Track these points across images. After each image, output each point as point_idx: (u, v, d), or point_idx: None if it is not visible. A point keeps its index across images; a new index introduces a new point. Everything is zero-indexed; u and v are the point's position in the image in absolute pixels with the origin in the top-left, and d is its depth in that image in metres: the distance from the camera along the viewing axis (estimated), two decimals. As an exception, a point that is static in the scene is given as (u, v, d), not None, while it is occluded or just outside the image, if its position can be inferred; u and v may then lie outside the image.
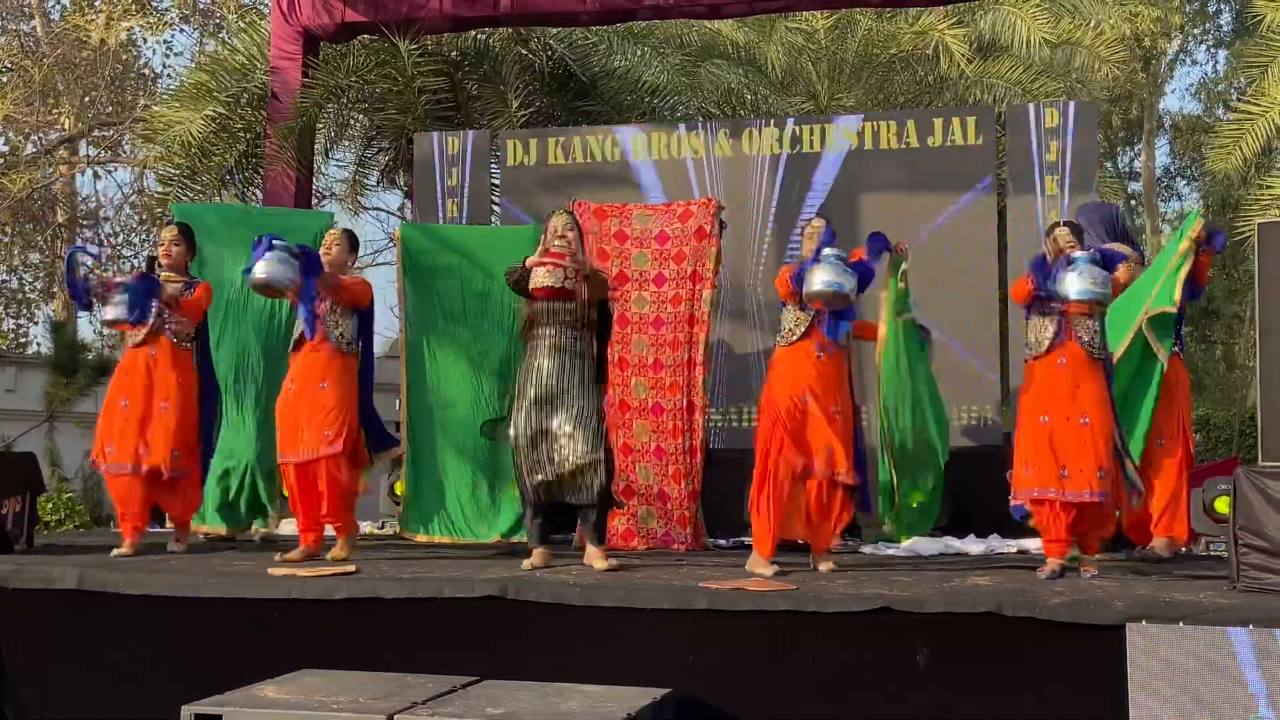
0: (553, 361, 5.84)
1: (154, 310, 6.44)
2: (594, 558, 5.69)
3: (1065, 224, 5.86)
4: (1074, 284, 5.38)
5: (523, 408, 5.84)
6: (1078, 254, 5.44)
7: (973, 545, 6.98)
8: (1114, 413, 5.58)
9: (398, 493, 7.78)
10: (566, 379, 5.82)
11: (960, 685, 4.36)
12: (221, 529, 7.28)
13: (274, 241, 6.00)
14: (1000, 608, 4.38)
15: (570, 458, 5.72)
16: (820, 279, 5.62)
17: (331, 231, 6.58)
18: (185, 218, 7.59)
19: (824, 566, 5.69)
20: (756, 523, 5.71)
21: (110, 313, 6.44)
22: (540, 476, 5.76)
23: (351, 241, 6.53)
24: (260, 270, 5.95)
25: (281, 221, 7.95)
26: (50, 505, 10.23)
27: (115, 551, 6.11)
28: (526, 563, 5.65)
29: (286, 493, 6.40)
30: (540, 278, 5.83)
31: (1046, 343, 5.55)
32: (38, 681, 5.10)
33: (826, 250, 5.71)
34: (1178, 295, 6.10)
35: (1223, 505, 5.85)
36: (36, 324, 19.41)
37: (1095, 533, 5.56)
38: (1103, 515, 5.53)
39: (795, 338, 5.82)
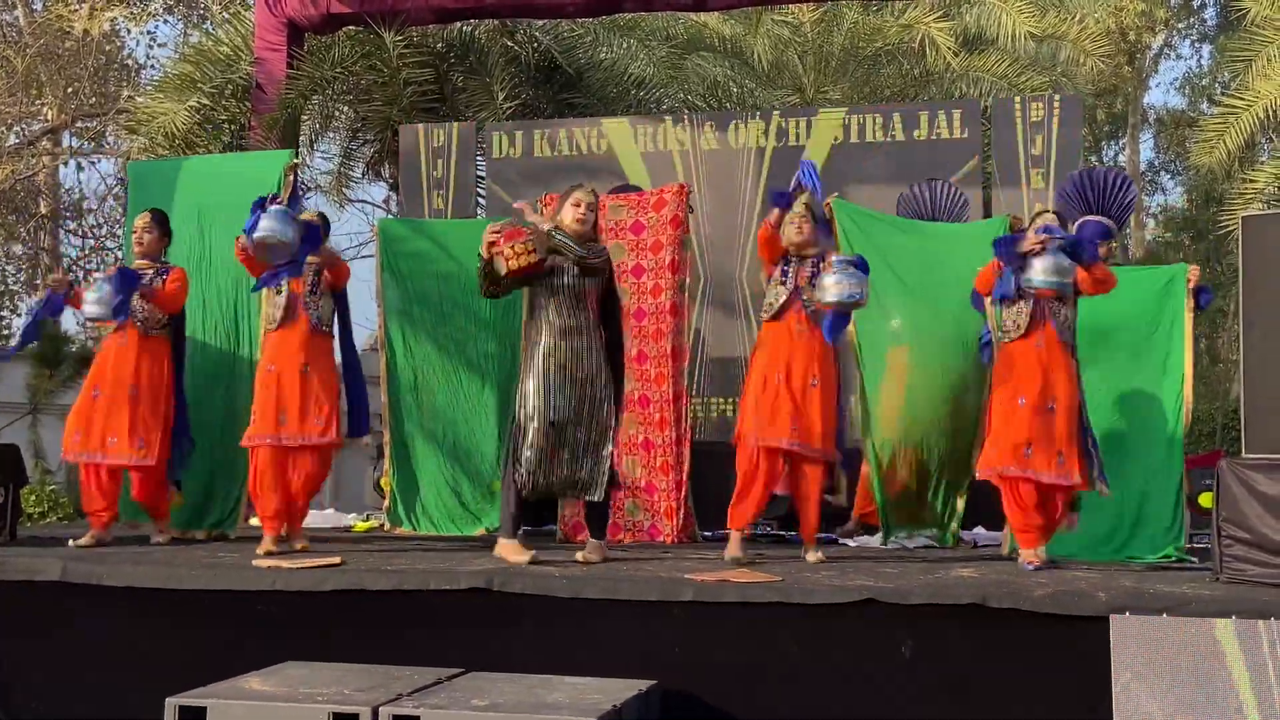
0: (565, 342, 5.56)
1: (132, 307, 6.30)
2: (594, 550, 5.57)
3: (1053, 212, 5.89)
4: (1036, 271, 5.52)
5: (532, 396, 5.49)
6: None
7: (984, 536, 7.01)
8: (1082, 400, 5.64)
9: (382, 486, 7.78)
10: (577, 364, 5.53)
11: (944, 676, 4.37)
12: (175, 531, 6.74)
13: (274, 204, 5.95)
14: (984, 599, 4.39)
15: (582, 462, 5.49)
16: (834, 293, 5.65)
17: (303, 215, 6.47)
18: (140, 175, 7.45)
19: (811, 557, 5.71)
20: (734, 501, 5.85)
21: (90, 309, 6.28)
22: (544, 477, 5.46)
23: (324, 224, 6.45)
24: (264, 227, 5.84)
25: (238, 166, 7.69)
26: (34, 497, 10.16)
27: (73, 542, 6.05)
28: (523, 556, 5.34)
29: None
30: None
31: (1025, 325, 5.61)
32: (20, 673, 5.08)
33: (834, 258, 5.77)
34: (1188, 374, 6.30)
35: (1206, 500, 5.90)
36: (19, 316, 19.30)
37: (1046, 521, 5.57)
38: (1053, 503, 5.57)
39: (774, 313, 5.91)
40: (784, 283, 5.91)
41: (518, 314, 6.87)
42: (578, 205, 5.64)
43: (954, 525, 6.72)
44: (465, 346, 7.28)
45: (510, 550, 5.41)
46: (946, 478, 6.68)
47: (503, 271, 5.50)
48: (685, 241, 7.13)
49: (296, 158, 7.23)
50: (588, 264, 5.55)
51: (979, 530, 7.13)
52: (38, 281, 18.72)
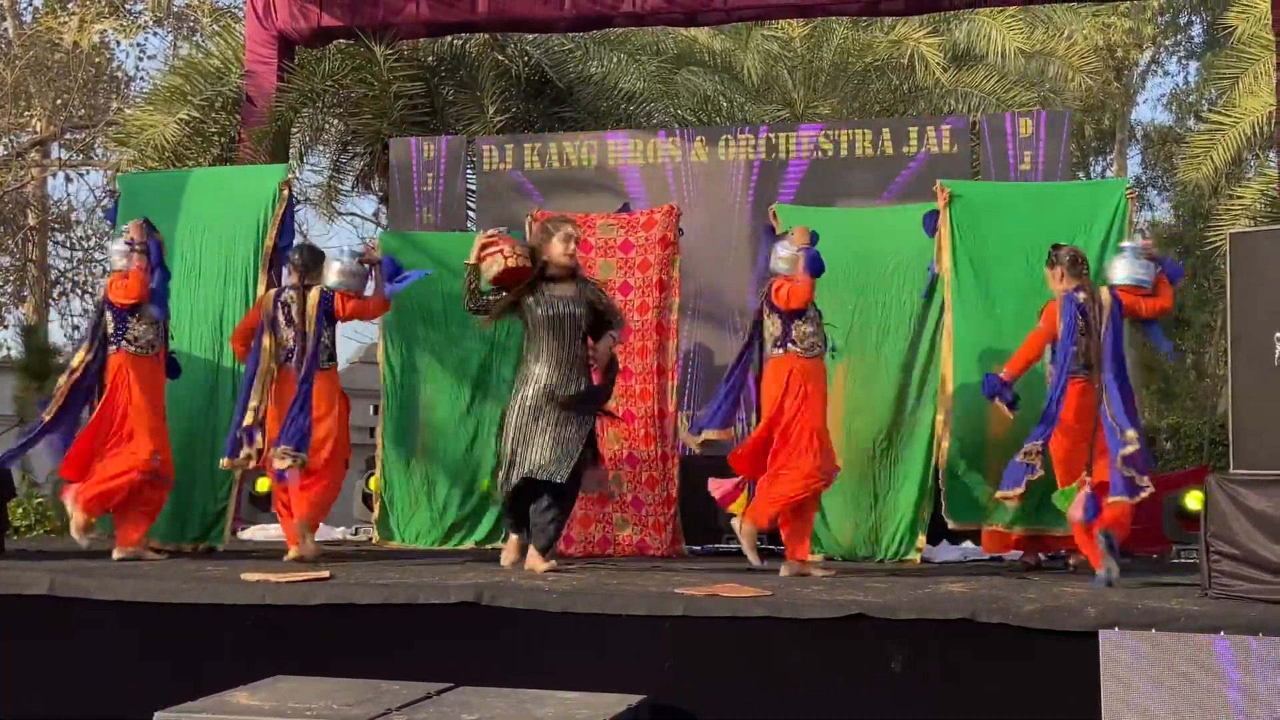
0: None
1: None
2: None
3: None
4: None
5: None
6: None
7: (946, 552, 7.01)
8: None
9: (371, 489, 7.77)
10: None
11: (934, 691, 4.37)
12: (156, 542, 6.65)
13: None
14: (974, 614, 4.40)
15: None
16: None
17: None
18: (132, 188, 7.50)
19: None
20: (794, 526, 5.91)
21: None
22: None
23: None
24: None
25: (232, 180, 7.71)
26: (20, 511, 10.13)
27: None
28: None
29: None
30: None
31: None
32: (7, 688, 5.05)
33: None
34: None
35: (1195, 501, 5.93)
36: (6, 327, 19.23)
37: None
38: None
39: (818, 351, 5.98)
40: (817, 319, 6.01)
41: (515, 328, 6.92)
42: (566, 241, 5.92)
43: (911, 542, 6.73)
44: (467, 360, 7.28)
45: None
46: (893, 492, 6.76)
47: (495, 272, 5.82)
48: (675, 262, 7.16)
49: (289, 173, 7.25)
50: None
51: (966, 544, 7.12)
52: (25, 293, 18.68)
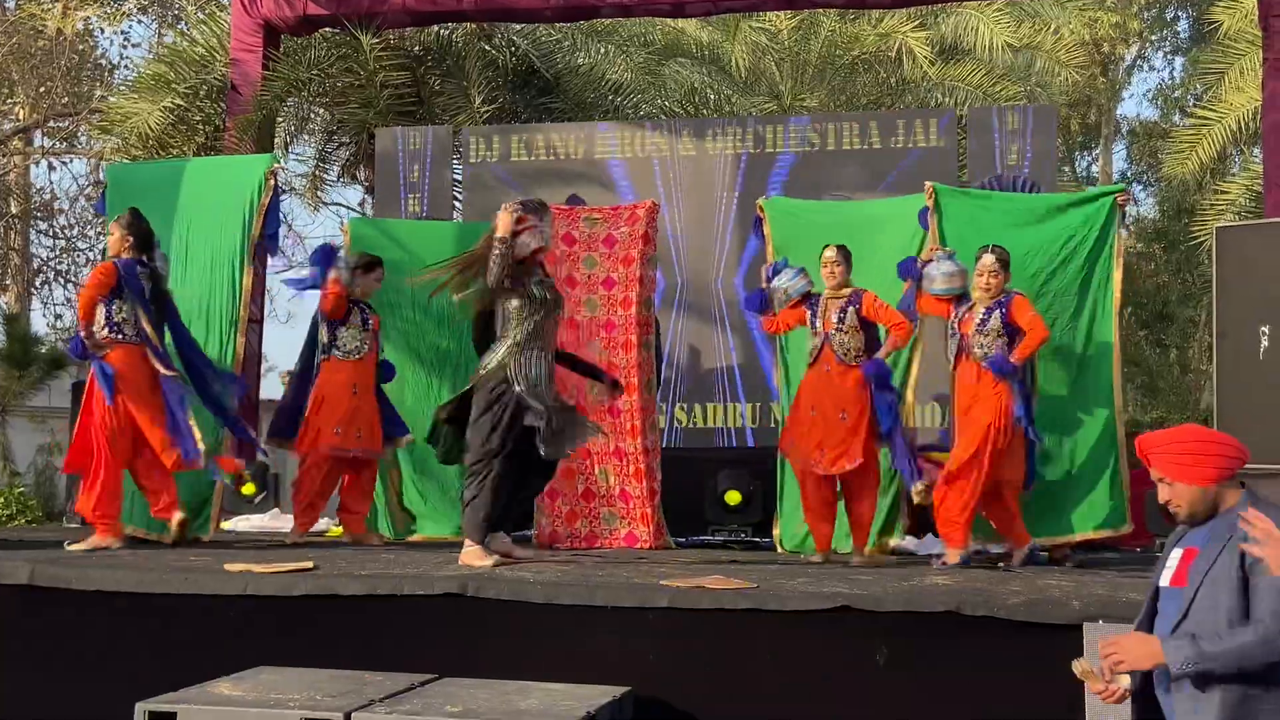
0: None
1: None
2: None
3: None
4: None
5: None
6: None
7: (932, 545, 7.01)
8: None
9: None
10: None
11: (919, 684, 4.37)
12: (141, 531, 6.68)
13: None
14: (959, 607, 4.40)
15: None
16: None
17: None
18: (119, 178, 7.46)
19: (856, 561, 6.14)
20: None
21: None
22: None
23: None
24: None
25: (219, 170, 7.68)
26: (1, 500, 10.09)
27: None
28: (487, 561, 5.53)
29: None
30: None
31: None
32: (-12, 678, 5.03)
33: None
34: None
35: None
36: (-9, 321, 19.11)
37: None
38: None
39: (813, 359, 6.29)
40: (815, 331, 6.27)
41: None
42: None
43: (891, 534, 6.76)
44: (438, 348, 7.27)
45: (476, 556, 5.51)
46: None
47: (530, 250, 5.71)
48: (651, 260, 7.15)
49: (276, 162, 7.22)
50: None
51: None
52: (7, 282, 18.58)
